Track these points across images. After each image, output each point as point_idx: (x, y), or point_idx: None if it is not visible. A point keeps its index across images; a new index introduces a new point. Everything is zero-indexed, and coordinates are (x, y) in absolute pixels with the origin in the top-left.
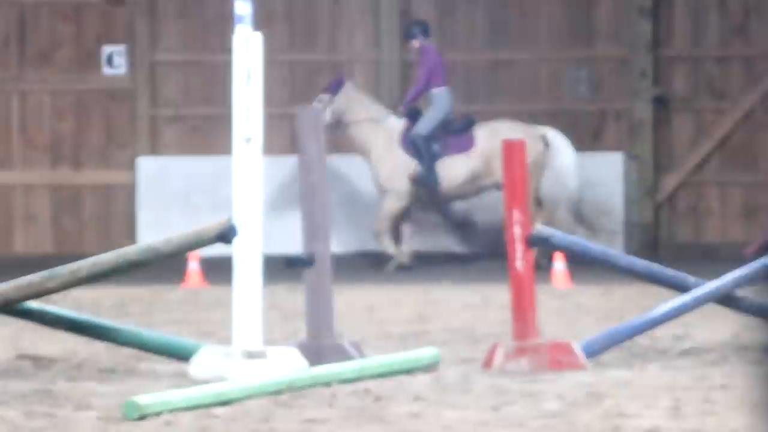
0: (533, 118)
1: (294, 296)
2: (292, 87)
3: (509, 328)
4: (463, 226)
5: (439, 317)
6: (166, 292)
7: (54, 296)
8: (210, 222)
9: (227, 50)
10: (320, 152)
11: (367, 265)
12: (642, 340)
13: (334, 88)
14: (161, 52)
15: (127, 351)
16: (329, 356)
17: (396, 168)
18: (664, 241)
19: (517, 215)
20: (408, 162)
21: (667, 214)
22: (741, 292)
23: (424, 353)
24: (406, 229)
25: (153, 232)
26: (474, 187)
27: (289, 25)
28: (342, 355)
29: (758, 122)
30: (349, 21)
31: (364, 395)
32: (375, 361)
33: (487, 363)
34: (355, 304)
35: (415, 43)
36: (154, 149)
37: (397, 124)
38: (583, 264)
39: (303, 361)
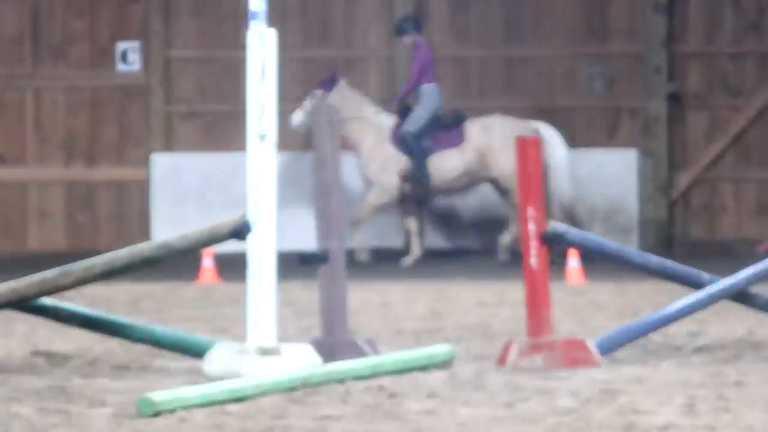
0: (548, 114)
1: (308, 293)
2: (306, 84)
3: (523, 325)
4: (445, 220)
5: (454, 314)
6: (180, 288)
7: (68, 293)
8: (224, 218)
9: (241, 47)
10: (335, 149)
11: (383, 261)
12: (656, 337)
13: (328, 85)
14: (176, 48)
15: (141, 348)
16: (343, 353)
17: (385, 163)
18: (679, 237)
19: (531, 212)
20: (398, 158)
21: (681, 210)
22: (755, 289)
23: (439, 350)
24: (413, 226)
25: (167, 228)
26: (467, 181)
27: (304, 22)
28: (356, 351)
29: None
30: (364, 17)
31: (378, 392)
32: (389, 357)
33: (502, 360)
34: (370, 301)
35: (407, 40)
36: (169, 146)
37: (387, 121)
38: (596, 261)
39: (317, 358)
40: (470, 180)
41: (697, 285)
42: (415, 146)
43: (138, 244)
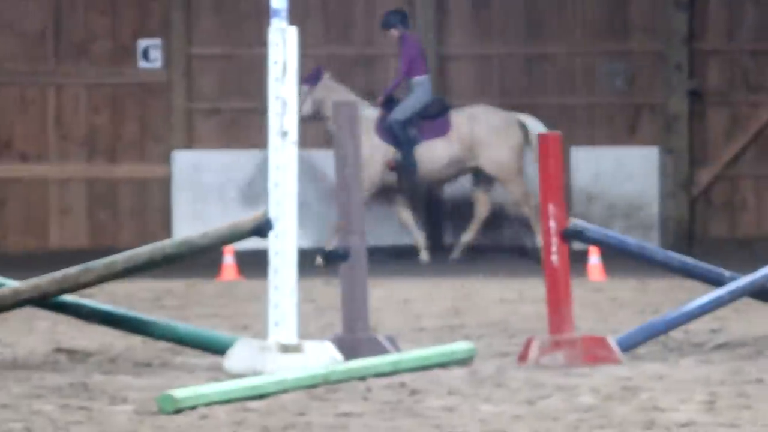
0: (568, 111)
1: (329, 290)
2: None
3: (544, 322)
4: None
5: (474, 311)
6: (201, 285)
7: (89, 290)
8: (245, 216)
9: (263, 44)
10: (356, 147)
11: (401, 258)
12: (677, 334)
13: (313, 79)
14: (197, 45)
15: (162, 344)
16: (364, 350)
17: (371, 155)
18: (699, 235)
19: (552, 209)
20: (384, 149)
21: (702, 207)
22: None
23: (459, 347)
24: (408, 219)
25: (188, 225)
26: (454, 170)
27: (325, 19)
28: (377, 348)
29: None
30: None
31: (399, 389)
32: (410, 355)
33: (523, 357)
34: (390, 298)
35: (394, 33)
36: (190, 143)
37: (373, 113)
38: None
39: (338, 355)
40: (456, 170)
41: (717, 282)
42: (402, 134)
43: (159, 241)
